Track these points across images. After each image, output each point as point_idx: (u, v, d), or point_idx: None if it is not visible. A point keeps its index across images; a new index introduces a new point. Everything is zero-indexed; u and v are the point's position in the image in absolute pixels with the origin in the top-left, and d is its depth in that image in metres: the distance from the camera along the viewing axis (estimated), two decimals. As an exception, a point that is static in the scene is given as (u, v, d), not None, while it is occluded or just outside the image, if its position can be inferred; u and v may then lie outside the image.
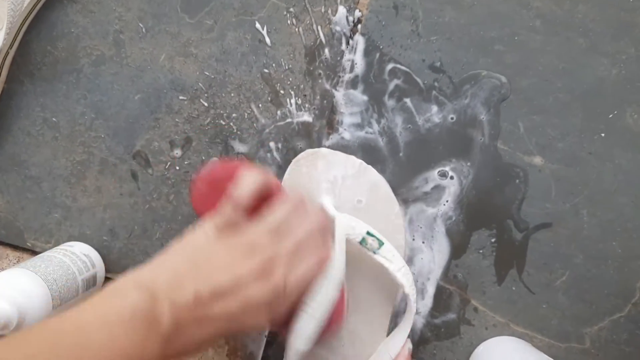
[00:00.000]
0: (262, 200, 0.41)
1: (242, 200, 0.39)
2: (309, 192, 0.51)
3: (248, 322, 0.37)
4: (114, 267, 0.56)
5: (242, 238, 0.38)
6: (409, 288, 0.46)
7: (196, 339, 0.35)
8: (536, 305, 0.52)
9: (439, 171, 0.52)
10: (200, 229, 0.39)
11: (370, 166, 0.51)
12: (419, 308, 0.53)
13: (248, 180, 0.40)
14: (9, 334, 0.46)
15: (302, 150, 0.53)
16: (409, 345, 0.51)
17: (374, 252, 0.46)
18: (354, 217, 0.48)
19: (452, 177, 0.52)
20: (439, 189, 0.52)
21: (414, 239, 0.53)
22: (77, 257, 0.52)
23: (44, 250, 0.55)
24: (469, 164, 0.52)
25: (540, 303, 0.52)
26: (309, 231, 0.40)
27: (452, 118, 0.52)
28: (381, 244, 0.46)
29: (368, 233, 0.46)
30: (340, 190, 0.50)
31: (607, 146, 0.51)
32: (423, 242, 0.53)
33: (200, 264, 0.36)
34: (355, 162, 0.51)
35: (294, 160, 0.53)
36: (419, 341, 0.53)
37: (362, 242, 0.46)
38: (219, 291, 0.35)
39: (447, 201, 0.52)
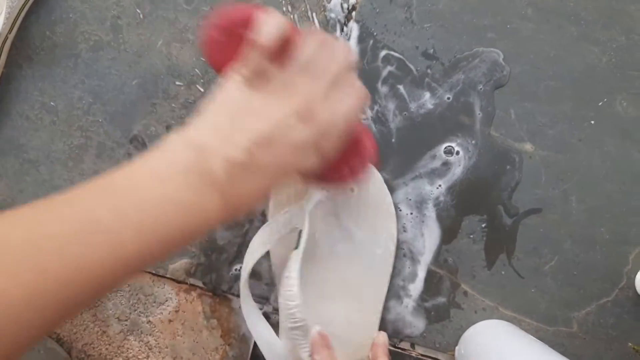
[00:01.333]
0: (283, 47, 0.38)
1: (268, 44, 0.36)
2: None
3: (298, 164, 0.37)
4: (110, 249, 0.57)
5: (276, 83, 0.36)
6: (282, 300, 0.45)
7: (252, 188, 0.35)
8: (525, 289, 0.53)
9: (445, 147, 0.53)
10: (229, 83, 0.37)
11: None
12: (409, 290, 0.54)
13: (271, 23, 0.36)
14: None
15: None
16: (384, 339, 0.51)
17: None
18: (347, 205, 0.49)
19: (457, 153, 0.53)
20: (446, 165, 0.53)
21: (400, 210, 0.53)
22: (74, 238, 0.53)
23: (42, 232, 0.56)
24: (473, 142, 0.53)
25: (529, 287, 0.53)
26: (341, 67, 0.38)
27: (448, 98, 0.53)
28: (296, 246, 0.46)
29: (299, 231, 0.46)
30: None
31: (596, 133, 0.52)
32: (411, 213, 0.54)
33: (241, 117, 0.35)
34: None
35: None
36: (409, 324, 0.54)
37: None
38: (266, 139, 0.35)
39: (439, 185, 0.53)
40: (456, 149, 0.53)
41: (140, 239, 0.31)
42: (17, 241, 0.28)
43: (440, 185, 0.53)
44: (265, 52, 0.36)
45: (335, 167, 0.41)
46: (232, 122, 0.35)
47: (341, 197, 0.50)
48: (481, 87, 0.53)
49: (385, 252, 0.51)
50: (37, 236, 0.29)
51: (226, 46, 0.39)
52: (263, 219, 0.55)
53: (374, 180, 0.51)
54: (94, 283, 0.30)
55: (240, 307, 0.56)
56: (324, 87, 0.37)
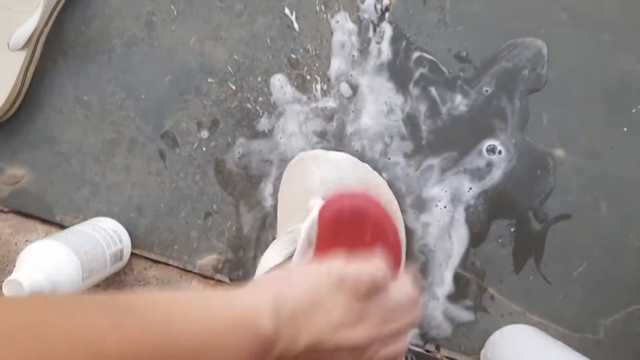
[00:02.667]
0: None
1: (380, 290, 0.39)
2: (301, 194, 0.51)
3: None
4: (140, 243, 0.58)
5: (358, 306, 0.39)
6: None
7: None
8: (552, 295, 0.53)
9: (488, 146, 0.53)
10: (326, 271, 0.39)
11: (364, 163, 0.52)
12: (436, 293, 0.54)
13: (386, 269, 0.40)
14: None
15: (323, 134, 0.55)
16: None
17: None
18: None
19: (500, 152, 0.53)
20: (489, 166, 0.53)
21: (436, 206, 0.54)
22: (105, 232, 0.54)
23: (72, 225, 0.57)
24: (513, 140, 0.53)
25: (556, 293, 0.52)
26: (409, 325, 0.42)
27: (486, 91, 0.53)
28: None
29: None
30: (332, 190, 0.51)
31: (629, 141, 0.51)
32: (445, 191, 0.53)
33: (316, 314, 0.37)
34: (345, 161, 0.52)
35: (289, 165, 0.54)
36: (435, 325, 0.54)
37: None
38: (321, 349, 0.37)
39: (470, 188, 0.53)
40: (499, 148, 0.53)
41: None
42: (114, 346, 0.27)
43: (471, 188, 0.53)
44: (374, 289, 0.39)
45: None
46: (309, 313, 0.37)
47: None
48: (526, 72, 0.52)
49: None
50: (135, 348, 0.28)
51: (346, 227, 0.43)
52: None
53: (373, 188, 0.51)
54: None
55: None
56: (386, 335, 0.40)
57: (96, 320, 0.27)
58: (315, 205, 0.48)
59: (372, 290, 0.39)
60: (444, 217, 0.53)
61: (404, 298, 0.41)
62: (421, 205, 0.54)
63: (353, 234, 0.42)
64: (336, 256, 0.40)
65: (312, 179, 0.51)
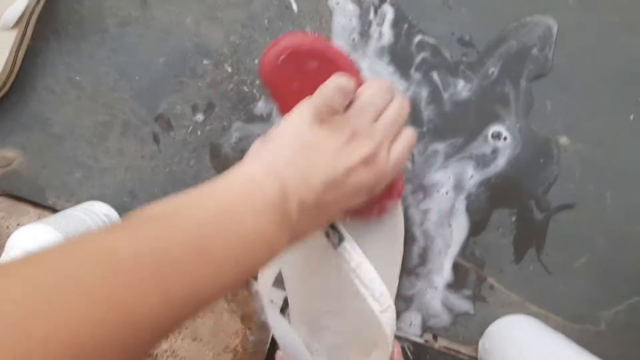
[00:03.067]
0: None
1: (350, 92, 0.38)
2: None
3: (352, 203, 0.39)
4: (133, 228, 0.57)
5: (345, 123, 0.38)
6: (364, 289, 0.43)
7: (313, 225, 0.38)
8: (553, 285, 0.52)
9: (493, 132, 0.52)
10: (298, 116, 0.38)
11: None
12: (435, 282, 0.53)
13: (345, 75, 0.39)
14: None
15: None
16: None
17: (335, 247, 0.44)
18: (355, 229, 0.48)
19: (505, 138, 0.51)
20: (495, 153, 0.52)
21: (438, 192, 0.52)
22: (97, 216, 0.53)
23: (65, 208, 0.56)
24: (518, 125, 0.51)
25: (557, 284, 0.51)
26: (400, 112, 0.41)
27: (492, 72, 0.51)
28: (341, 239, 0.44)
29: (331, 226, 0.44)
30: None
31: (635, 129, 0.50)
32: (448, 177, 0.52)
33: (314, 155, 0.37)
34: None
35: None
36: (434, 314, 0.53)
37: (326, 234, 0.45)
38: (336, 182, 0.37)
39: (471, 176, 0.52)
40: (504, 134, 0.51)
41: (234, 268, 0.31)
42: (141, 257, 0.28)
43: (472, 176, 0.52)
44: (347, 96, 0.38)
45: (368, 204, 0.42)
46: (307, 160, 0.36)
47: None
48: (535, 51, 0.50)
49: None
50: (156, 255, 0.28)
51: (291, 72, 0.40)
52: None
53: (396, 214, 0.50)
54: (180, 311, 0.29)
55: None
56: (386, 133, 0.39)
57: (110, 237, 0.28)
58: None
59: (344, 97, 0.38)
60: (444, 204, 0.52)
61: (377, 90, 0.40)
62: (422, 190, 0.52)
63: (301, 76, 0.40)
64: (300, 101, 0.39)
65: None
